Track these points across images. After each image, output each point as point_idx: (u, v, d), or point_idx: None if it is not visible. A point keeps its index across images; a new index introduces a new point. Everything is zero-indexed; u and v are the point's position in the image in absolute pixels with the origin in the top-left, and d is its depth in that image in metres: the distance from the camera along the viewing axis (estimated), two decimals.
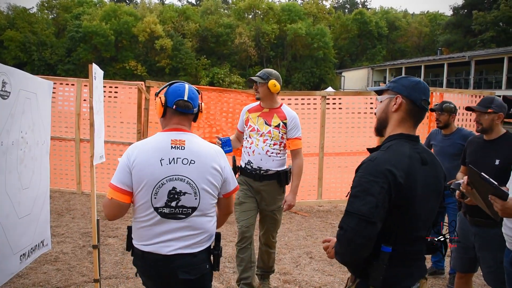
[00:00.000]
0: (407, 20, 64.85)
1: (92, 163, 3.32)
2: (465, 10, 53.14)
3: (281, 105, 3.83)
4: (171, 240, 2.15)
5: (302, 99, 6.96)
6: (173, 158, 2.15)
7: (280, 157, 3.75)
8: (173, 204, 2.14)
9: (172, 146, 2.17)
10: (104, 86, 7.06)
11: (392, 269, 1.74)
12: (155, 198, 2.12)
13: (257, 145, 3.70)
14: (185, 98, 2.24)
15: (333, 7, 69.99)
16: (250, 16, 59.38)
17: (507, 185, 2.43)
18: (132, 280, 4.12)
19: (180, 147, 2.17)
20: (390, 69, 46.21)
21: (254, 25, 55.62)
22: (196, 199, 2.17)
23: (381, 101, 1.95)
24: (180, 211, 2.15)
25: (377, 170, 1.70)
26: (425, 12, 69.55)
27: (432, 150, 4.61)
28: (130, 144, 6.92)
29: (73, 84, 7.17)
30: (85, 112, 6.92)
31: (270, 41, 54.62)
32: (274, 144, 3.70)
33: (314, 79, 53.42)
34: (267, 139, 3.70)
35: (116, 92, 7.21)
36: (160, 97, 2.25)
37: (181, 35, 52.56)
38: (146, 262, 2.18)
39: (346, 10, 72.74)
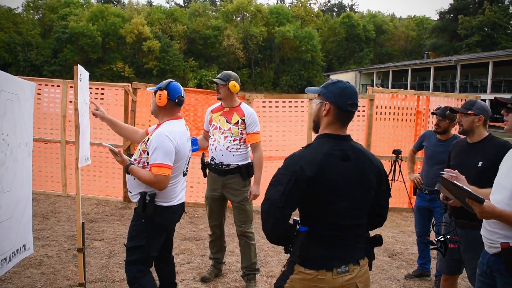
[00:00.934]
0: (394, 24, 65.46)
1: (78, 166, 3.27)
2: (451, 15, 53.79)
3: (240, 104, 4.13)
4: (183, 190, 3.26)
5: (289, 101, 6.95)
6: (188, 137, 3.22)
7: (240, 152, 4.01)
8: (187, 166, 3.24)
9: (186, 129, 3.21)
10: (90, 88, 6.99)
11: (313, 248, 2.02)
12: (185, 165, 3.20)
13: (219, 142, 3.99)
14: (182, 94, 3.13)
15: (321, 10, 70.33)
16: (238, 19, 59.46)
17: (492, 189, 2.44)
18: (118, 284, 4.07)
19: (187, 129, 3.24)
20: (377, 73, 46.57)
21: (242, 28, 55.70)
22: (188, 161, 3.28)
23: (315, 105, 2.20)
24: (187, 170, 3.28)
25: (291, 165, 2.00)
26: (412, 16, 70.40)
27: (423, 152, 4.63)
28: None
29: (58, 86, 7.07)
30: (71, 114, 6.82)
31: (258, 43, 54.75)
32: (234, 140, 3.98)
33: (302, 81, 53.64)
34: (227, 136, 3.98)
35: (102, 93, 7.13)
36: (164, 91, 3.05)
37: (169, 37, 52.43)
38: (175, 213, 3.17)
39: (334, 14, 73.18)
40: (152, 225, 3.06)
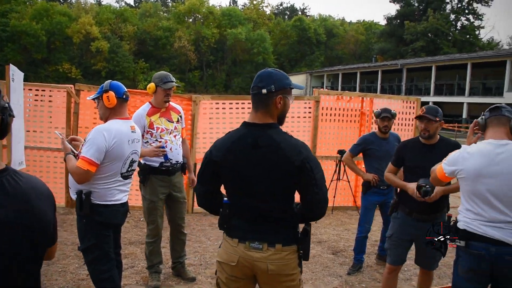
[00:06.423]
0: (344, 28, 67.09)
1: None
2: (398, 20, 55.83)
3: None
4: (124, 192, 3.20)
5: (236, 103, 6.96)
6: (133, 139, 3.15)
7: (182, 147, 4.24)
8: (130, 169, 3.18)
9: (131, 131, 3.15)
10: (30, 89, 6.71)
11: (234, 219, 2.26)
12: (123, 167, 3.09)
13: (172, 142, 4.08)
14: (126, 90, 3.17)
15: (273, 13, 71.01)
16: (190, 20, 59.00)
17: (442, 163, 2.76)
18: None
19: (134, 131, 3.18)
20: (327, 75, 47.66)
21: (194, 29, 55.33)
22: (136, 163, 3.29)
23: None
24: (131, 173, 3.23)
25: (208, 149, 2.28)
26: (361, 21, 72.32)
27: (364, 155, 4.86)
28: (58, 149, 6.59)
29: None
30: None
31: (210, 45, 54.56)
32: (179, 137, 4.21)
33: None
34: (176, 134, 4.15)
35: (43, 95, 6.84)
36: (111, 91, 3.04)
37: (118, 38, 51.24)
38: (116, 212, 3.14)
39: (286, 17, 74.06)
40: (94, 224, 3.05)
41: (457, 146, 3.32)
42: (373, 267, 4.98)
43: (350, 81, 43.56)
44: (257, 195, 2.18)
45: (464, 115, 30.74)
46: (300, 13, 73.40)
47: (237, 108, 6.95)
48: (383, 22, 67.99)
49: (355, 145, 4.88)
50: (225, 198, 2.28)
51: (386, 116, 4.65)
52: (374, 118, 4.86)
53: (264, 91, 2.16)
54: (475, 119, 2.79)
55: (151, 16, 57.05)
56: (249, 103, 7.00)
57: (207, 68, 55.57)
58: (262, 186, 2.16)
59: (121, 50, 49.66)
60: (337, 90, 38.77)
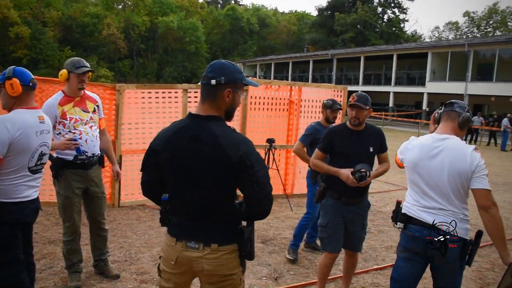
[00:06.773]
0: (277, 18, 67.75)
1: None
2: (329, 12, 57.23)
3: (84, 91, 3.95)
4: (33, 187, 3.00)
5: (163, 92, 6.74)
6: (42, 130, 2.95)
7: (99, 139, 3.97)
8: (39, 162, 2.98)
9: (40, 121, 2.95)
10: None
11: (173, 217, 2.19)
12: (31, 160, 2.90)
13: (87, 133, 3.82)
14: (33, 76, 2.95)
15: (206, 2, 70.26)
16: (119, 7, 56.88)
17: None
18: None
19: (43, 122, 2.98)
20: (260, 65, 48.08)
21: (123, 16, 53.41)
22: (47, 156, 3.07)
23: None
24: (41, 167, 3.03)
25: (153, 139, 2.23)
26: (293, 11, 73.43)
27: (312, 144, 4.85)
28: None
29: None
30: None
31: (141, 33, 52.95)
32: (96, 128, 3.93)
33: (185, 73, 53.16)
34: (92, 125, 3.87)
35: None
36: (15, 78, 2.81)
37: (41, 23, 48.18)
38: (20, 208, 2.89)
39: (219, 5, 73.48)
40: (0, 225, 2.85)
41: (380, 133, 3.67)
42: (302, 254, 5.04)
43: (282, 71, 44.18)
44: (199, 189, 2.10)
45: (391, 104, 32.24)
46: (233, 2, 73.14)
47: (164, 98, 6.73)
48: (314, 13, 69.61)
49: (305, 135, 4.90)
50: (164, 196, 2.19)
51: (338, 108, 4.82)
52: (323, 108, 4.92)
53: (213, 82, 2.08)
54: (434, 112, 3.01)
55: (77, 2, 54.25)
56: (176, 92, 6.86)
57: (137, 57, 53.94)
58: (204, 179, 2.08)
59: (44, 37, 46.79)
60: (270, 79, 39.27)
